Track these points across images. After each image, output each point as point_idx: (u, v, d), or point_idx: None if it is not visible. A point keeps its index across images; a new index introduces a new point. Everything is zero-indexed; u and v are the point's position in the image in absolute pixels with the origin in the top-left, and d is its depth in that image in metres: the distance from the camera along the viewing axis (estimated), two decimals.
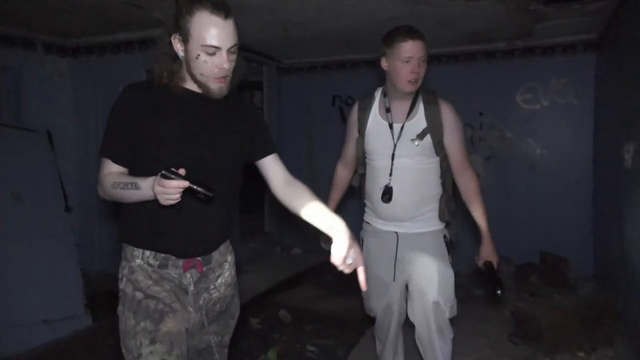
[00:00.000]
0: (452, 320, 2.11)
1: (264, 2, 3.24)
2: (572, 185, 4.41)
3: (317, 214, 1.44)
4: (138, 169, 1.40)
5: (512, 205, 4.56)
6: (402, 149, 2.01)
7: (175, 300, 1.43)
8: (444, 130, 2.02)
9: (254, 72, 5.38)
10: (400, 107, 2.04)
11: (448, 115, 2.04)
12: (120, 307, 1.46)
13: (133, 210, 1.43)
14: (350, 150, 2.22)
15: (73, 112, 4.37)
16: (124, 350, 1.44)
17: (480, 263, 2.05)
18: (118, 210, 1.51)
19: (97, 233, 4.41)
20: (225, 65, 1.36)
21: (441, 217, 2.09)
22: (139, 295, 1.41)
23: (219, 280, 1.54)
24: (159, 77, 1.42)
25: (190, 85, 1.44)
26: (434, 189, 2.08)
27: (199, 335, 1.54)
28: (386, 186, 2.03)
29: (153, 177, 1.25)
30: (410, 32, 1.93)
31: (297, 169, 5.38)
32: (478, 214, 2.07)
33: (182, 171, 1.22)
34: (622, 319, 2.96)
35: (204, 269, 1.49)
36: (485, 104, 4.69)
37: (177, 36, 1.36)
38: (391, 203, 2.03)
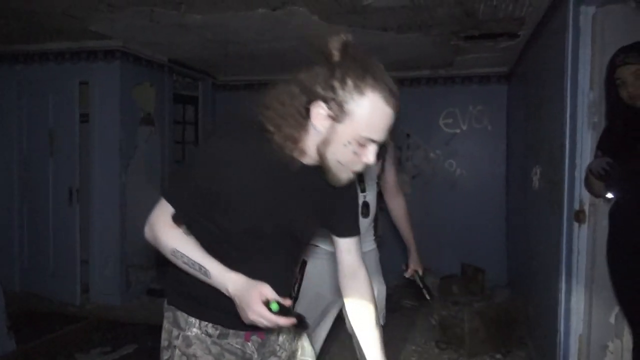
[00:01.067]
0: (383, 328, 2.31)
1: (207, 20, 3.31)
2: (488, 202, 4.84)
3: (368, 343, 1.28)
4: (193, 228, 1.18)
5: (435, 221, 4.90)
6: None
7: None
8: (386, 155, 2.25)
9: (188, 87, 5.37)
10: None
11: (389, 146, 2.27)
12: None
13: (193, 278, 1.14)
14: None
15: None
16: None
17: (409, 273, 2.28)
18: (162, 261, 1.22)
19: (17, 250, 4.15)
20: (372, 159, 1.09)
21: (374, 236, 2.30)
22: None
23: (281, 338, 1.34)
24: (280, 146, 1.09)
25: (307, 159, 1.14)
26: (375, 210, 2.28)
27: None
28: (364, 201, 2.12)
29: (238, 281, 1.06)
30: None
31: None
32: (407, 232, 2.30)
33: (288, 303, 1.05)
34: (531, 323, 3.32)
35: (265, 334, 1.29)
36: (412, 126, 5.04)
37: (324, 106, 1.04)
38: (367, 219, 2.12)
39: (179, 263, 1.12)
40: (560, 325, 2.31)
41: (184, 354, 1.20)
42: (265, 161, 1.10)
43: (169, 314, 1.26)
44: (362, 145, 1.07)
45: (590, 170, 1.90)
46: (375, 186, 2.23)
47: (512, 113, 4.54)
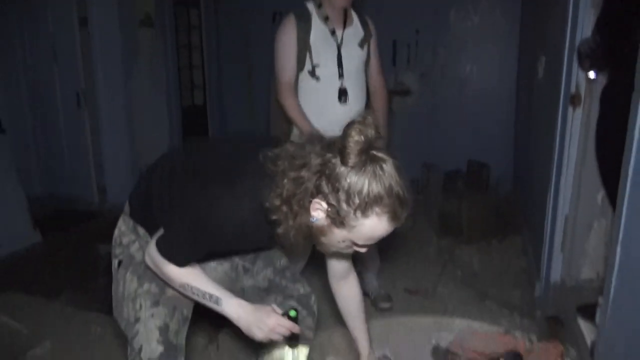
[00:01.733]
0: None
1: None
2: (497, 98, 4.74)
3: (357, 330, 1.55)
4: None
5: (443, 117, 4.88)
6: (346, 52, 2.10)
7: None
8: (371, 41, 2.19)
9: None
10: (337, 16, 2.12)
11: (373, 28, 2.20)
12: (121, 271, 1.32)
13: (160, 208, 1.26)
14: (293, 68, 2.09)
15: None
16: (117, 319, 1.33)
17: None
18: (144, 197, 1.31)
19: (35, 153, 4.34)
20: (365, 251, 1.11)
21: None
22: None
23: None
24: (281, 234, 1.08)
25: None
26: (365, 99, 2.25)
27: (247, 277, 1.48)
28: (340, 88, 2.07)
29: (246, 305, 1.18)
30: None
31: (236, 86, 5.38)
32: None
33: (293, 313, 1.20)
34: (528, 211, 3.42)
35: None
36: (421, 22, 4.83)
37: (326, 209, 1.01)
38: (347, 106, 2.08)
39: (188, 294, 1.20)
40: (549, 206, 2.38)
41: (141, 247, 1.31)
42: (271, 233, 1.11)
43: (128, 220, 1.35)
44: (356, 244, 1.07)
45: (578, 48, 1.88)
46: (361, 75, 2.17)
47: (526, 5, 4.30)
